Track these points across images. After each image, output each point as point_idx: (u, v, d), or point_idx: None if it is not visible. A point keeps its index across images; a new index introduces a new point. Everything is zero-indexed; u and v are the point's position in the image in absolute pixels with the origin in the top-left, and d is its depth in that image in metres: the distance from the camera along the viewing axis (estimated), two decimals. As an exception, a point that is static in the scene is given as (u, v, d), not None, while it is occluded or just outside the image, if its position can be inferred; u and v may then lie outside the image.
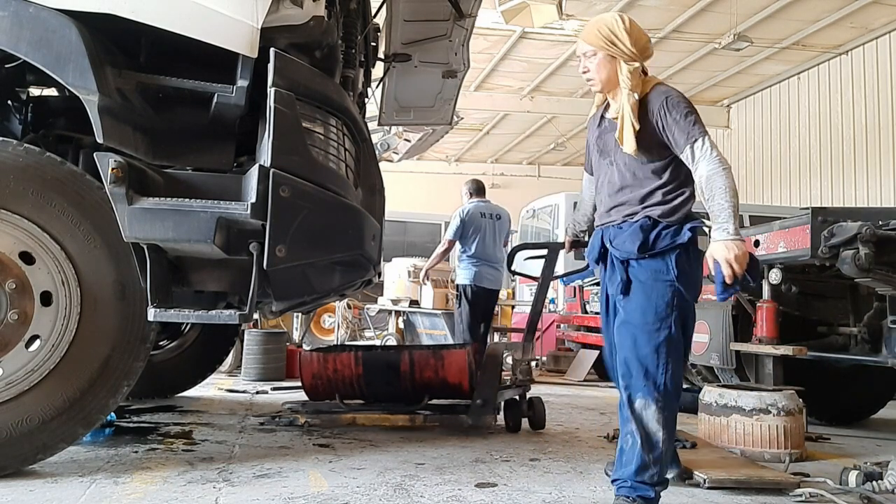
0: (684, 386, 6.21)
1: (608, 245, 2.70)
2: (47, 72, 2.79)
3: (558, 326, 9.11)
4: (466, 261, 6.24)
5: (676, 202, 2.63)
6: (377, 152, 5.60)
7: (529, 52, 13.67)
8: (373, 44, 4.65)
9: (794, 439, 3.81)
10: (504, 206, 6.80)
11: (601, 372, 8.31)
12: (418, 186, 18.20)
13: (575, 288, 8.53)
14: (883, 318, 4.38)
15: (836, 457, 3.99)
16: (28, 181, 2.89)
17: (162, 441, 3.79)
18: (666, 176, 2.64)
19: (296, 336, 9.01)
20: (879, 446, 4.39)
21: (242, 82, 2.92)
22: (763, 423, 3.79)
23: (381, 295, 9.63)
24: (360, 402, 4.56)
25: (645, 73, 2.71)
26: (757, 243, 4.53)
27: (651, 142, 2.60)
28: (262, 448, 3.71)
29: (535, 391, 4.76)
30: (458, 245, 6.34)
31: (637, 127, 2.58)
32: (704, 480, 3.10)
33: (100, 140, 2.76)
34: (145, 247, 2.84)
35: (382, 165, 4.09)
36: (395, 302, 9.27)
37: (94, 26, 2.81)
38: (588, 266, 3.40)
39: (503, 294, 11.85)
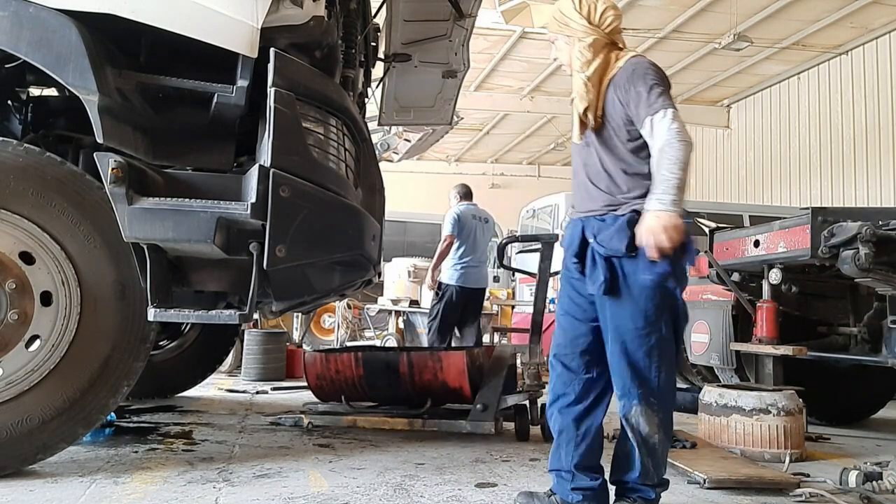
0: (684, 386, 6.24)
1: (591, 239, 2.48)
2: (47, 72, 2.79)
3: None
4: (455, 261, 6.33)
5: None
6: (377, 152, 5.60)
7: (529, 52, 13.66)
8: (373, 44, 4.65)
9: (794, 439, 3.81)
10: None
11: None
12: (418, 186, 18.18)
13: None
14: (883, 318, 4.38)
15: (836, 457, 3.99)
16: (28, 181, 2.89)
17: (162, 441, 3.79)
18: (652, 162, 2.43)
19: (296, 336, 9.01)
20: (879, 446, 4.39)
21: (242, 82, 2.92)
22: (763, 423, 3.79)
23: (381, 295, 9.63)
24: (368, 404, 4.50)
25: (619, 46, 2.55)
26: (757, 243, 4.53)
27: (623, 120, 2.44)
28: (262, 448, 3.71)
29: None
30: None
31: (582, 107, 2.46)
32: (704, 480, 3.10)
33: (100, 140, 2.76)
34: (145, 247, 2.84)
35: (382, 165, 4.09)
36: (395, 302, 9.27)
37: (94, 26, 2.81)
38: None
39: (503, 294, 11.86)
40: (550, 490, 2.58)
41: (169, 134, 3.00)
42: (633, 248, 2.36)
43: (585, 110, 2.50)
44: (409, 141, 10.24)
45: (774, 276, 4.44)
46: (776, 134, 14.92)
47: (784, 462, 3.63)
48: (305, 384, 6.47)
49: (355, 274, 3.27)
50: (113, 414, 3.95)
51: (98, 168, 2.75)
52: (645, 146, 2.40)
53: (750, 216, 10.03)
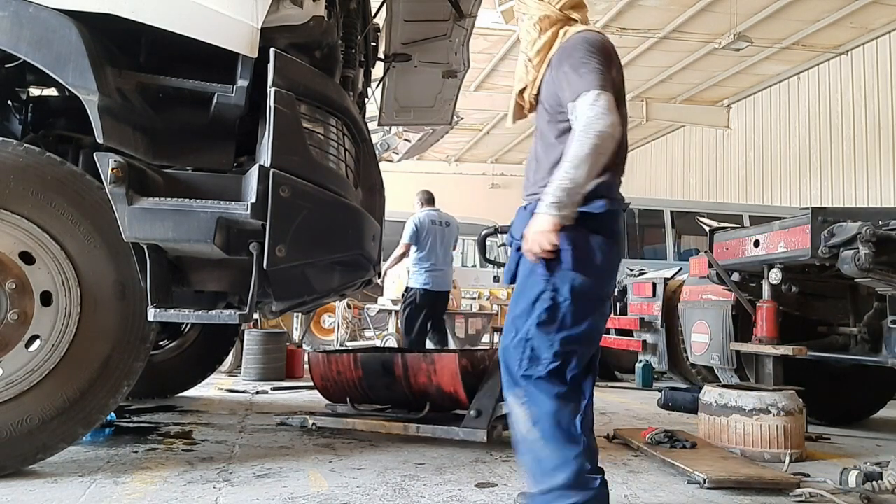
0: (684, 386, 6.24)
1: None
2: (47, 72, 2.80)
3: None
4: (419, 265, 6.65)
5: (603, 185, 2.26)
6: (377, 152, 5.61)
7: (529, 52, 13.65)
8: (373, 44, 4.65)
9: (794, 439, 3.81)
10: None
11: (601, 372, 8.31)
12: (418, 186, 18.18)
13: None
14: (883, 318, 4.38)
15: (836, 457, 3.99)
16: (28, 181, 2.89)
17: (162, 441, 3.79)
18: None
19: (296, 336, 9.01)
20: (879, 446, 4.39)
21: (242, 82, 2.92)
22: (763, 423, 3.79)
23: (381, 295, 9.63)
24: (375, 407, 4.39)
25: (575, 21, 2.35)
26: (757, 243, 4.53)
27: (555, 104, 2.27)
28: (262, 448, 3.71)
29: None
30: (412, 250, 6.74)
31: (517, 88, 2.35)
32: (704, 480, 3.10)
33: (100, 140, 2.77)
34: (145, 247, 2.84)
35: (382, 165, 4.08)
36: (395, 302, 9.26)
37: (94, 26, 2.81)
38: None
39: (503, 294, 11.87)
40: None
41: (169, 134, 3.00)
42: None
43: (521, 91, 2.40)
44: (409, 141, 10.25)
45: (774, 276, 4.44)
46: (776, 134, 14.92)
47: (784, 462, 3.63)
48: (305, 384, 6.50)
49: (355, 274, 3.27)
50: (113, 414, 3.96)
51: (98, 168, 2.75)
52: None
53: (750, 216, 10.02)
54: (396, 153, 10.86)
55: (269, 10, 2.84)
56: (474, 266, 13.87)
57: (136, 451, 3.51)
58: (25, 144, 2.98)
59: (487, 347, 6.09)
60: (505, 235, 3.04)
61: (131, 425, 4.25)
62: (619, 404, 5.96)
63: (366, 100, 4.88)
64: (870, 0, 11.25)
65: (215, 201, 2.82)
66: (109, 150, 2.77)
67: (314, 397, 5.79)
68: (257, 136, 3.05)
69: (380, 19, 4.87)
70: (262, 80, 2.88)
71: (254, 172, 2.79)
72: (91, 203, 2.95)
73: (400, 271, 9.43)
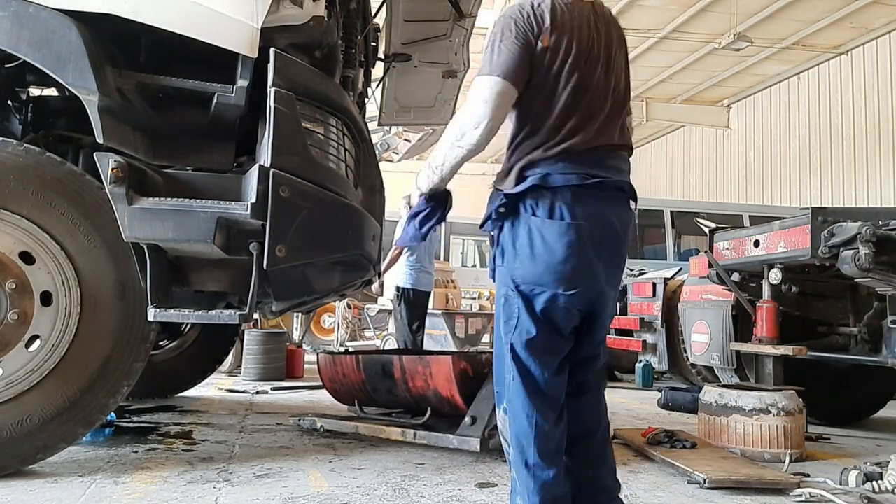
0: (684, 386, 6.24)
1: None
2: (47, 72, 2.79)
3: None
4: (408, 266, 6.81)
5: (511, 160, 2.10)
6: (377, 152, 5.60)
7: (529, 52, 13.65)
8: (373, 44, 4.65)
9: (794, 439, 3.81)
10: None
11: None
12: (418, 186, 18.16)
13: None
14: (883, 318, 4.38)
15: (836, 457, 3.99)
16: (28, 181, 2.89)
17: (162, 441, 3.79)
18: (513, 126, 2.12)
19: (296, 336, 9.01)
20: (879, 446, 4.39)
21: (242, 82, 2.92)
22: (763, 423, 3.80)
23: (382, 295, 9.63)
24: (381, 410, 4.30)
25: None
26: (757, 243, 4.53)
27: None
28: (262, 448, 3.71)
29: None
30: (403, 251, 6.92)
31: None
32: (704, 480, 3.10)
33: (100, 140, 2.76)
34: (145, 247, 2.84)
35: (382, 165, 4.08)
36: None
37: (94, 26, 2.81)
38: None
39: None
40: None
41: (169, 134, 3.00)
42: (482, 227, 2.14)
43: None
44: (409, 141, 10.25)
45: (774, 276, 4.44)
46: (776, 134, 14.93)
47: (784, 462, 3.63)
48: (305, 384, 6.50)
49: (355, 274, 3.27)
50: (113, 414, 3.95)
51: (98, 168, 2.75)
52: (515, 114, 2.10)
53: (750, 216, 10.03)
54: (396, 153, 10.86)
55: (269, 10, 2.84)
56: (474, 266, 13.90)
57: (136, 451, 3.51)
58: (25, 144, 2.98)
59: (491, 350, 5.99)
60: None
61: (131, 425, 4.25)
62: (619, 404, 5.96)
63: (366, 100, 4.88)
64: (870, 0, 11.25)
65: (215, 201, 2.82)
66: (109, 150, 2.77)
67: (314, 397, 5.80)
68: (257, 136, 3.05)
69: (380, 19, 4.87)
70: (262, 80, 2.88)
71: (254, 172, 2.79)
72: (91, 203, 2.95)
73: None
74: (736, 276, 4.84)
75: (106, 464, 3.23)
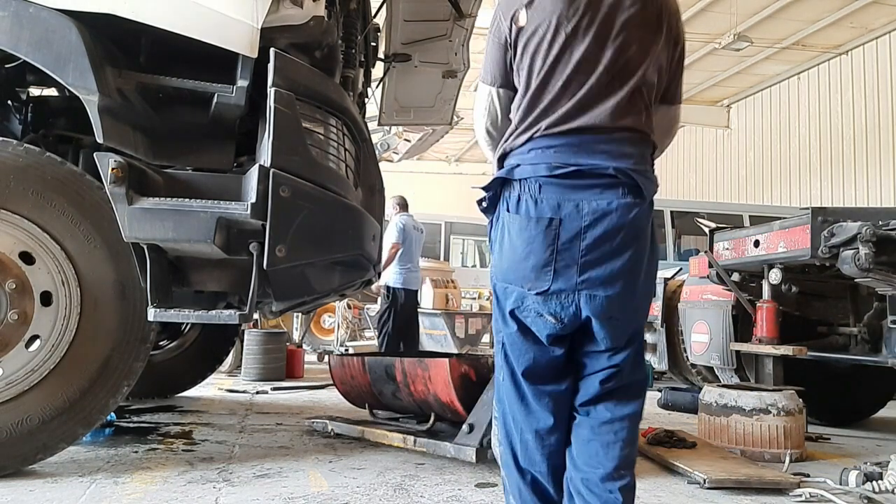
0: (684, 386, 6.24)
1: None
2: (47, 72, 2.80)
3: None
4: (399, 267, 6.96)
5: (501, 154, 1.97)
6: (377, 152, 5.61)
7: (529, 52, 13.66)
8: (373, 44, 4.65)
9: (794, 439, 3.81)
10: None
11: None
12: (418, 186, 18.22)
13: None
14: (883, 318, 4.38)
15: (836, 457, 3.99)
16: (28, 181, 2.89)
17: (162, 441, 3.79)
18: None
19: (296, 336, 9.01)
20: (879, 446, 4.39)
21: (242, 82, 2.92)
22: (763, 423, 3.79)
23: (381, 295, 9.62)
24: (390, 414, 4.21)
25: None
26: (757, 243, 4.53)
27: None
28: (262, 448, 3.71)
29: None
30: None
31: None
32: (704, 480, 3.10)
33: (100, 140, 2.77)
34: (145, 247, 2.84)
35: (382, 165, 4.08)
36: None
37: (94, 26, 2.81)
38: None
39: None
40: None
41: (169, 134, 3.00)
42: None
43: None
44: (409, 141, 10.25)
45: (774, 276, 4.44)
46: (776, 134, 14.93)
47: (784, 462, 3.63)
48: (305, 384, 6.50)
49: (355, 274, 3.27)
50: (113, 414, 3.95)
51: (98, 168, 2.75)
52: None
53: (750, 216, 10.02)
54: (396, 153, 10.87)
55: (269, 10, 2.84)
56: (474, 266, 13.90)
57: (136, 451, 3.51)
58: (25, 144, 2.98)
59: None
60: None
61: (131, 425, 4.25)
62: (619, 404, 5.95)
63: (366, 100, 4.88)
64: (870, 0, 11.25)
65: (215, 201, 2.82)
66: (109, 150, 2.77)
67: (314, 397, 5.80)
68: (257, 136, 3.05)
69: (380, 19, 4.87)
70: (262, 80, 2.88)
71: (254, 172, 2.79)
72: (91, 203, 2.95)
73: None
74: (736, 276, 4.84)
75: (106, 464, 3.23)
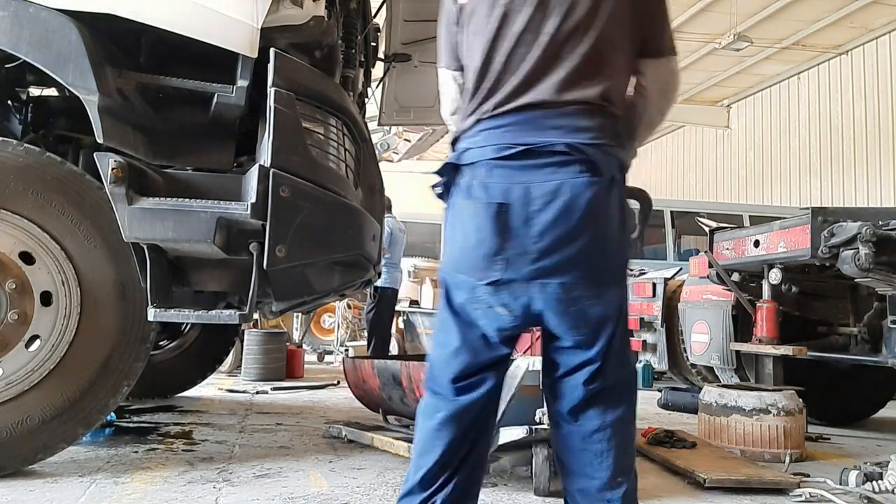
0: (684, 386, 6.24)
1: None
2: (47, 72, 2.80)
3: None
4: (387, 266, 7.10)
5: (453, 138, 1.87)
6: (377, 152, 5.60)
7: (529, 52, 13.65)
8: (373, 44, 4.65)
9: (794, 439, 3.81)
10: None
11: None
12: (418, 186, 18.21)
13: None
14: (883, 318, 4.38)
15: (836, 457, 3.99)
16: (28, 181, 2.89)
17: (162, 441, 3.79)
18: None
19: (296, 336, 9.01)
20: (879, 446, 4.39)
21: (242, 82, 2.92)
22: (763, 423, 3.79)
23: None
24: (404, 421, 3.95)
25: None
26: (757, 243, 4.53)
27: None
28: (262, 448, 3.71)
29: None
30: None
31: None
32: (704, 480, 3.10)
33: (100, 140, 2.77)
34: (145, 247, 2.84)
35: (382, 165, 4.08)
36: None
37: (94, 26, 2.81)
38: None
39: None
40: None
41: (169, 134, 3.00)
42: None
43: None
44: (409, 141, 10.26)
45: (774, 276, 4.44)
46: (776, 134, 14.92)
47: (784, 462, 3.63)
48: (305, 384, 6.51)
49: (355, 274, 3.27)
50: (113, 414, 3.95)
51: (98, 168, 2.75)
52: None
53: (750, 216, 10.02)
54: (396, 153, 10.87)
55: (269, 10, 2.84)
56: (474, 266, 13.86)
57: (136, 451, 3.51)
58: (25, 144, 2.98)
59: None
60: None
61: (131, 425, 4.25)
62: (619, 404, 5.95)
63: (366, 100, 4.87)
64: (870, 0, 11.25)
65: (215, 201, 2.82)
66: (109, 150, 2.77)
67: (314, 397, 5.81)
68: (257, 136, 3.05)
69: (380, 19, 4.87)
70: (262, 80, 2.88)
71: (254, 172, 2.79)
72: (91, 203, 2.95)
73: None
74: (736, 276, 4.85)
75: (106, 464, 3.23)
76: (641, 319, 6.62)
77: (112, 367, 2.98)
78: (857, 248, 3.72)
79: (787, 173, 14.51)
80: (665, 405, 5.67)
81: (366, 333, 10.53)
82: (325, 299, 3.74)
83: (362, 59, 4.17)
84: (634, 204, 1.91)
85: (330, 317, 10.19)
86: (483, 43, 1.71)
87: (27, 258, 2.91)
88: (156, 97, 3.00)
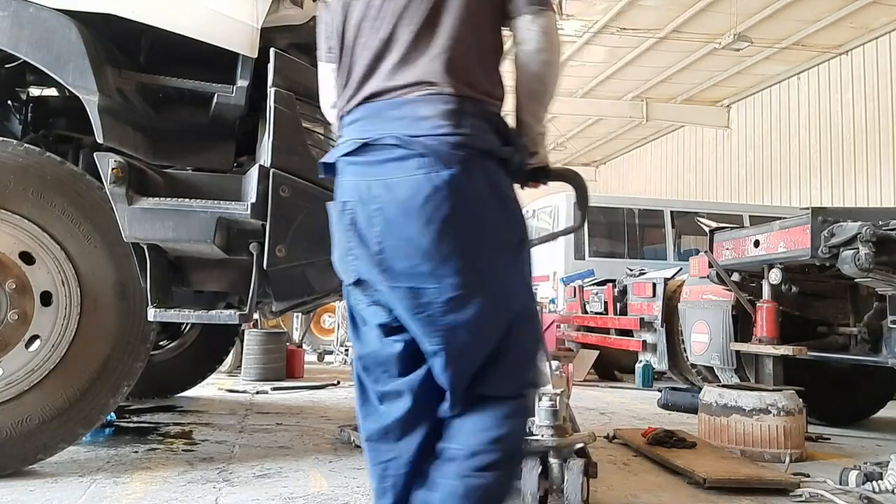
0: (684, 386, 6.24)
1: None
2: (47, 72, 2.80)
3: (558, 326, 9.11)
4: None
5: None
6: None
7: (529, 52, 13.66)
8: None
9: (794, 439, 3.81)
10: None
11: (601, 372, 8.32)
12: (418, 186, 18.17)
13: (575, 288, 8.53)
14: (883, 318, 4.38)
15: (836, 457, 3.99)
16: (28, 181, 2.89)
17: (162, 441, 3.79)
18: None
19: (296, 336, 9.01)
20: (879, 446, 4.39)
21: (242, 82, 2.93)
22: (763, 423, 3.79)
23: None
24: None
25: None
26: (757, 243, 4.53)
27: None
28: (262, 448, 3.71)
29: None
30: None
31: None
32: (704, 480, 3.10)
33: (100, 140, 2.77)
34: (145, 247, 2.85)
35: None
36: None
37: (94, 26, 2.81)
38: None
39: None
40: None
41: (169, 134, 3.01)
42: None
43: None
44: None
45: (774, 276, 4.44)
46: (776, 134, 14.92)
47: (784, 462, 3.63)
48: (305, 384, 6.50)
49: (355, 274, 3.26)
50: (113, 414, 3.95)
51: (98, 168, 2.75)
52: None
53: (750, 216, 10.03)
54: (396, 153, 10.85)
55: (269, 10, 2.85)
56: (474, 266, 13.86)
57: (136, 451, 3.51)
58: (25, 144, 2.98)
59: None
60: None
61: (131, 425, 4.25)
62: (619, 404, 5.96)
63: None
64: (870, 0, 11.25)
65: (215, 201, 2.82)
66: (109, 150, 2.77)
67: (314, 397, 5.80)
68: (257, 136, 3.05)
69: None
70: (262, 80, 2.88)
71: (254, 172, 2.79)
72: (91, 203, 2.95)
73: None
74: (736, 276, 4.84)
75: (106, 464, 3.22)
76: (641, 319, 6.63)
77: (112, 367, 2.98)
78: (857, 248, 3.72)
79: (787, 173, 14.52)
80: (665, 405, 5.67)
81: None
82: (325, 299, 3.74)
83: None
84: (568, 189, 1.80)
85: (330, 317, 10.18)
86: (340, 34, 1.63)
87: (27, 258, 2.91)
88: (156, 97, 3.00)
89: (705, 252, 5.08)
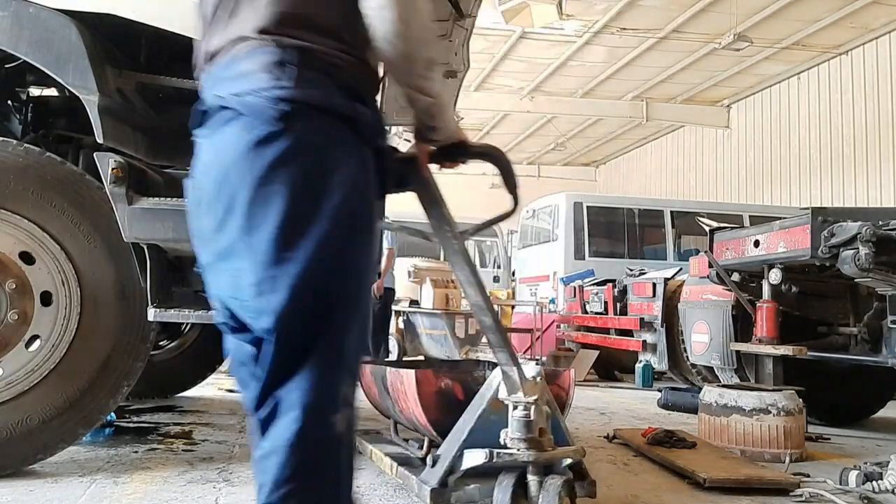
0: (684, 386, 6.24)
1: None
2: (47, 72, 2.80)
3: (558, 326, 9.12)
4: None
5: None
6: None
7: (529, 52, 13.68)
8: (373, 44, 4.64)
9: (794, 439, 3.81)
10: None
11: (601, 372, 8.33)
12: (418, 186, 18.17)
13: (575, 288, 8.54)
14: (883, 318, 4.38)
15: (836, 457, 3.99)
16: (28, 181, 2.89)
17: (162, 441, 3.79)
18: None
19: (296, 336, 9.01)
20: (879, 446, 4.39)
21: (242, 82, 2.92)
22: (763, 423, 3.80)
23: (381, 296, 9.63)
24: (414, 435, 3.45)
25: None
26: (757, 243, 4.54)
27: None
28: (262, 448, 3.71)
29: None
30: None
31: None
32: (704, 480, 3.10)
33: (100, 140, 2.77)
34: (145, 247, 2.85)
35: (382, 165, 4.06)
36: (395, 302, 9.27)
37: (94, 26, 2.81)
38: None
39: (503, 294, 11.87)
40: None
41: (169, 134, 3.01)
42: None
43: None
44: (409, 141, 10.25)
45: (774, 276, 4.44)
46: (776, 134, 14.93)
47: (784, 462, 3.63)
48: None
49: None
50: (113, 414, 3.95)
51: (98, 168, 2.75)
52: None
53: (750, 216, 10.04)
54: (396, 153, 10.87)
55: (269, 10, 2.84)
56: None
57: (136, 451, 3.51)
58: (25, 144, 2.98)
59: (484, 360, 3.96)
60: None
61: (131, 425, 4.25)
62: (619, 404, 5.96)
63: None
64: (870, 0, 11.25)
65: (215, 201, 2.82)
66: (109, 150, 2.77)
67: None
68: (257, 136, 3.05)
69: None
70: (262, 80, 2.88)
71: (254, 172, 2.79)
72: (91, 203, 2.95)
73: (400, 271, 9.46)
74: (736, 276, 4.85)
75: (106, 464, 3.22)
76: (641, 319, 6.63)
77: (112, 367, 2.98)
78: (857, 248, 3.72)
79: (787, 173, 14.52)
80: (665, 405, 5.67)
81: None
82: (325, 299, 3.73)
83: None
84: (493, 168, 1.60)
85: (330, 317, 10.18)
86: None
87: (27, 258, 2.91)
88: (156, 97, 3.00)
89: (705, 252, 5.09)
